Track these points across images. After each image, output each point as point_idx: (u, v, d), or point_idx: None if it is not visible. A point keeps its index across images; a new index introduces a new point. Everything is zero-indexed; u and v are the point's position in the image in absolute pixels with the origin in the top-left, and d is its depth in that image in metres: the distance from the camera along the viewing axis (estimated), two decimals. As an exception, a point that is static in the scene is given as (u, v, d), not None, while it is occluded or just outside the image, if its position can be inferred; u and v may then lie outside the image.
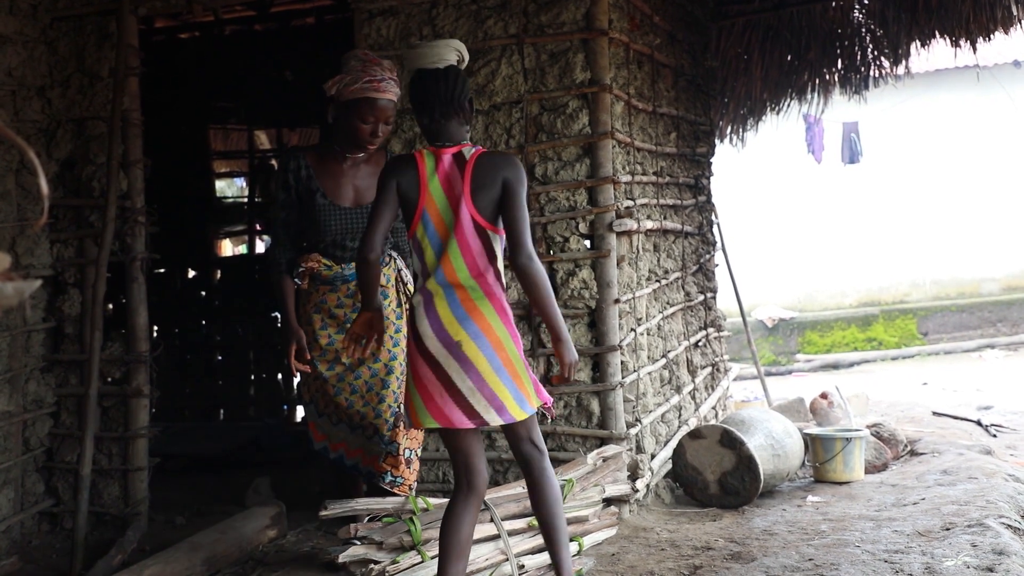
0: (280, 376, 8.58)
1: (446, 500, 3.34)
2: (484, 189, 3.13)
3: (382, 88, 3.76)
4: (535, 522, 3.31)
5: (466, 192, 3.12)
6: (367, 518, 3.73)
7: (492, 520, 3.41)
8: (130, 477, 4.95)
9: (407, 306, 3.70)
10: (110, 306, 6.41)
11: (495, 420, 3.05)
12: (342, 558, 3.21)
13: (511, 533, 3.63)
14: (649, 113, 5.49)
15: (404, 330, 3.86)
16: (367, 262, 3.20)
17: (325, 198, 3.88)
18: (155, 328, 7.83)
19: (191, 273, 8.92)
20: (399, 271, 4.00)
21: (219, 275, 8.93)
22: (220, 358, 8.66)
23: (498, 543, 3.58)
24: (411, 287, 3.96)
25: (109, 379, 5.03)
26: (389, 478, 3.88)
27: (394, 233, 3.93)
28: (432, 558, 3.21)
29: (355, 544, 3.45)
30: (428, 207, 3.14)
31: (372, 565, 3.18)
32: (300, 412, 8.60)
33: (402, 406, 3.74)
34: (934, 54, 7.71)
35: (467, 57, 3.32)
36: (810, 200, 13.12)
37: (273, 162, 9.49)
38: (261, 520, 4.64)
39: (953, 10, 5.75)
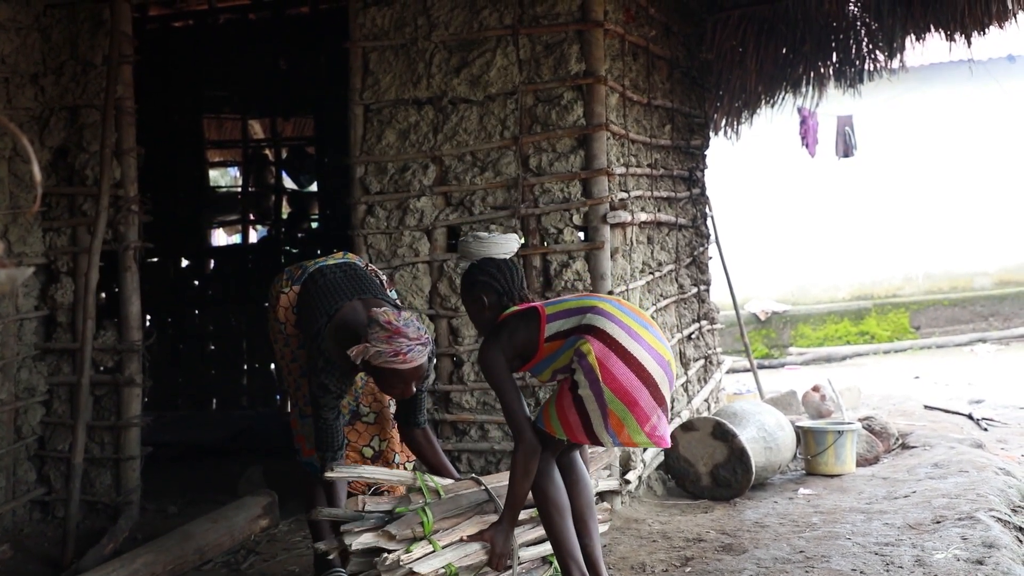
0: (273, 365, 8.58)
1: (451, 482, 3.53)
2: None
3: (411, 359, 3.41)
4: (535, 512, 3.44)
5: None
6: (372, 490, 3.64)
7: (496, 511, 3.43)
8: (122, 466, 4.95)
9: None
10: (103, 295, 6.40)
11: (667, 442, 3.30)
12: (355, 545, 3.21)
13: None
14: (644, 105, 5.49)
15: None
16: (535, 457, 3.26)
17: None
18: (148, 317, 7.82)
19: (184, 262, 8.90)
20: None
21: (212, 264, 8.92)
22: (213, 347, 8.67)
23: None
24: None
25: (102, 368, 5.03)
26: None
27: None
28: (444, 547, 3.23)
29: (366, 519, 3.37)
30: (550, 301, 3.41)
31: (386, 554, 3.18)
32: (293, 402, 8.61)
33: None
34: (929, 48, 7.70)
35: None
36: (804, 193, 13.12)
37: (267, 152, 9.48)
38: (253, 510, 4.64)
39: (948, 4, 5.75)
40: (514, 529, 3.37)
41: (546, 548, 3.49)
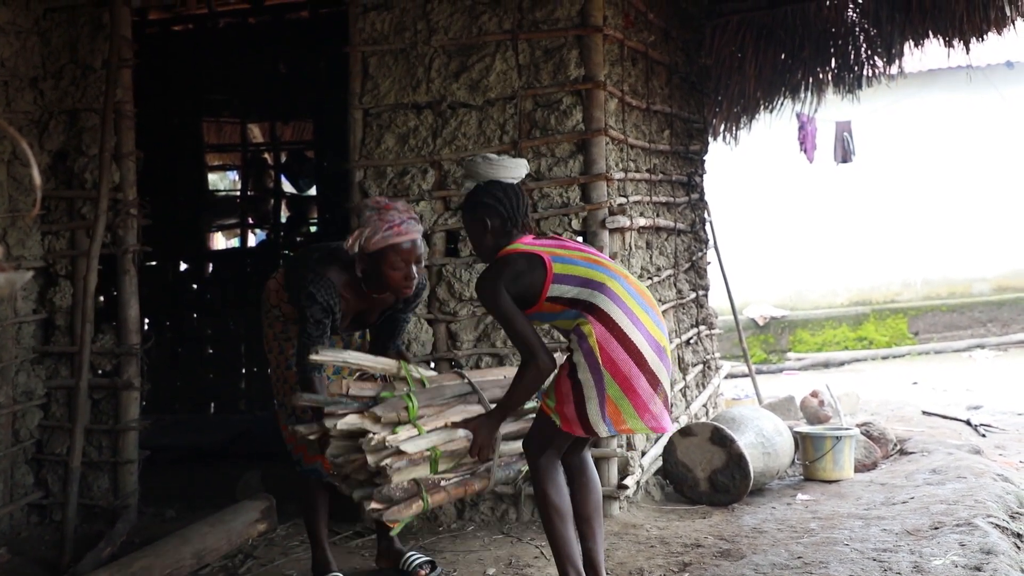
0: (271, 370, 8.56)
1: (435, 374, 3.65)
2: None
3: (404, 230, 3.54)
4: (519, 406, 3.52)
5: (577, 246, 3.45)
6: (357, 375, 3.57)
7: (480, 402, 3.44)
8: (120, 470, 4.95)
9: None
10: (101, 298, 6.40)
11: (669, 426, 3.33)
12: (340, 425, 3.21)
13: None
14: (643, 110, 5.49)
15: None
16: (544, 378, 3.26)
17: (336, 322, 3.74)
18: (146, 321, 7.82)
19: (183, 266, 8.90)
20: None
21: (211, 268, 8.92)
22: (211, 351, 8.66)
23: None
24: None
25: (100, 371, 5.03)
26: None
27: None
28: (429, 432, 3.29)
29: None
30: (559, 254, 3.30)
31: (371, 434, 3.19)
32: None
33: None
34: (927, 54, 7.73)
35: None
36: (802, 199, 13.13)
37: (266, 155, 9.48)
38: (251, 514, 4.63)
39: (947, 10, 5.77)
40: (499, 427, 3.39)
41: None
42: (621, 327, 3.19)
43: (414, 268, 3.58)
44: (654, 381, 3.23)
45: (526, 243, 3.36)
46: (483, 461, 3.48)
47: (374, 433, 3.20)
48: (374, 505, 3.23)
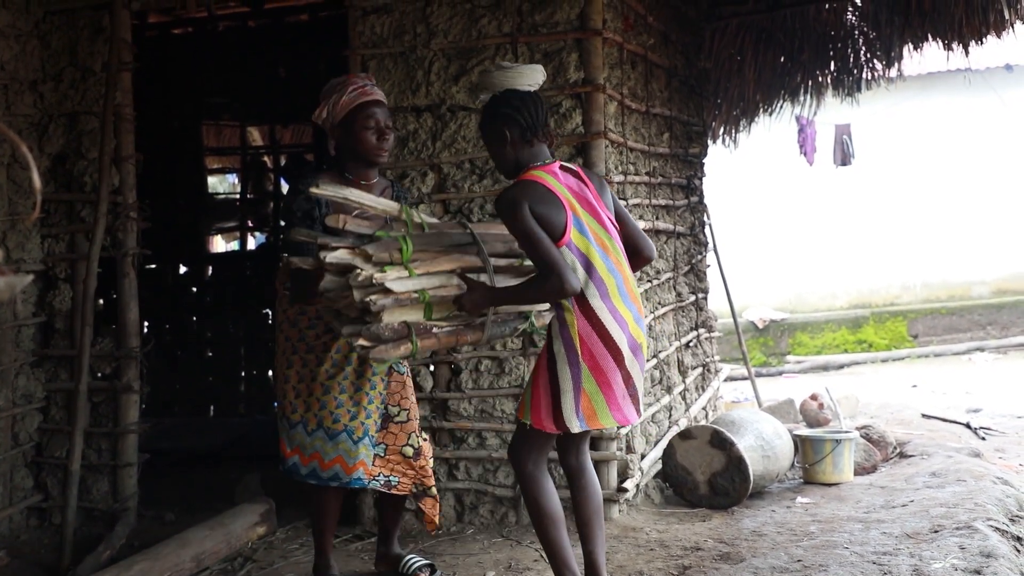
0: (271, 373, 8.57)
1: (437, 220, 3.60)
2: (603, 200, 3.34)
3: (370, 91, 3.70)
4: (516, 262, 3.50)
5: (598, 200, 3.32)
6: (355, 213, 3.50)
7: (479, 254, 3.39)
8: (119, 473, 4.95)
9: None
10: (101, 301, 6.40)
11: (635, 419, 3.33)
12: (330, 258, 3.17)
13: (497, 271, 3.51)
14: (642, 113, 5.50)
15: None
16: (555, 296, 3.20)
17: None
18: (146, 324, 7.81)
19: (182, 269, 8.90)
20: None
21: (210, 271, 8.92)
22: (211, 354, 8.65)
23: (481, 276, 3.48)
24: None
25: (99, 374, 5.03)
26: (384, 479, 3.78)
27: None
28: (419, 275, 3.23)
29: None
30: (575, 213, 3.23)
31: (359, 271, 3.14)
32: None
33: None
34: (926, 57, 7.73)
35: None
36: (802, 202, 13.13)
37: (265, 159, 9.48)
38: (250, 517, 4.64)
39: (946, 13, 5.77)
40: (494, 302, 3.34)
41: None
42: (603, 323, 3.20)
43: (386, 132, 3.69)
44: (628, 378, 3.25)
45: (552, 175, 3.26)
46: (475, 317, 3.43)
47: (361, 270, 3.15)
48: (361, 342, 3.17)
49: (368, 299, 3.12)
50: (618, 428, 4.67)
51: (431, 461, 3.93)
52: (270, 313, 8.66)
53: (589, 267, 3.21)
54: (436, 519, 3.96)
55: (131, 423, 4.96)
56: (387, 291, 3.14)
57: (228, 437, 7.24)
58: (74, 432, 4.76)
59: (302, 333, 3.77)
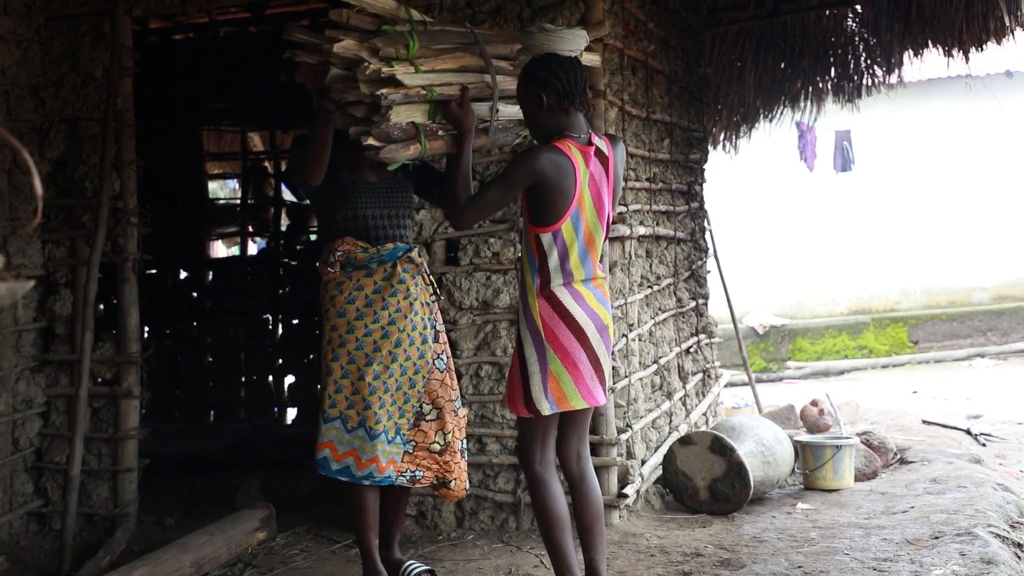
0: (271, 378, 8.57)
1: (430, 19, 3.52)
2: (616, 184, 3.37)
3: None
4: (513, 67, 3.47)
5: (610, 194, 3.33)
6: (357, 8, 3.41)
7: (481, 55, 3.36)
8: (119, 478, 4.94)
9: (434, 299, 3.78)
10: (101, 306, 6.40)
11: (603, 400, 3.37)
12: (336, 48, 3.11)
13: (498, 72, 3.49)
14: (642, 119, 5.50)
15: (432, 326, 3.79)
16: (456, 217, 3.30)
17: (351, 173, 3.73)
18: (146, 329, 7.81)
19: (183, 274, 8.90)
20: (418, 266, 3.82)
21: (211, 276, 8.92)
22: (211, 359, 8.65)
23: (484, 76, 3.46)
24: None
25: (100, 380, 5.02)
26: (409, 474, 3.76)
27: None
28: (425, 72, 3.21)
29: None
30: (580, 206, 3.25)
31: (366, 63, 3.09)
32: (291, 414, 8.60)
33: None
34: (927, 63, 7.75)
35: None
36: (802, 208, 13.15)
37: (266, 164, 9.49)
38: (250, 522, 4.63)
39: (946, 20, 5.77)
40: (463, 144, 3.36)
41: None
42: (565, 306, 3.25)
43: None
44: (595, 360, 3.29)
45: (584, 158, 3.25)
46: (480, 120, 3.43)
47: (369, 63, 3.11)
48: (371, 141, 3.15)
49: (379, 93, 3.09)
50: (617, 435, 4.67)
51: (459, 457, 3.84)
52: (270, 318, 8.66)
53: (564, 258, 3.26)
54: (458, 494, 3.87)
55: (131, 428, 4.96)
56: (397, 85, 3.10)
57: (228, 442, 7.23)
58: (74, 437, 4.76)
59: (351, 325, 3.69)
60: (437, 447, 3.80)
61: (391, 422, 3.72)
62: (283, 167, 9.38)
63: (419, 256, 3.86)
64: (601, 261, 3.41)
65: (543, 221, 3.24)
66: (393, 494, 3.91)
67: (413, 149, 3.24)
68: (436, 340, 3.83)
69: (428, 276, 3.88)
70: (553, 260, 3.25)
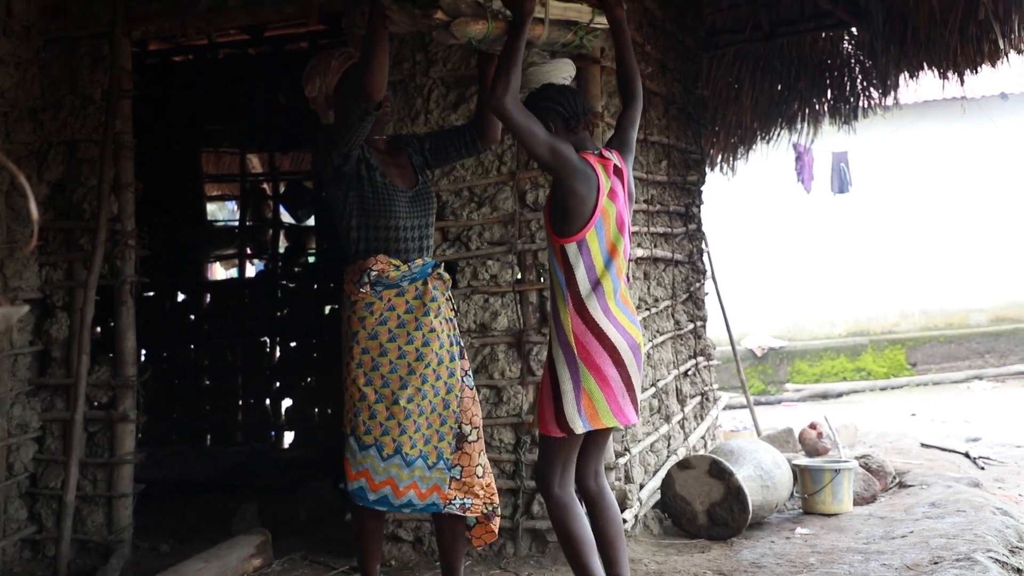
0: (268, 401, 8.54)
1: None
2: (631, 196, 3.44)
3: (353, 53, 3.66)
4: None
5: (628, 206, 3.41)
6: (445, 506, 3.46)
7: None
8: (114, 504, 4.91)
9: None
10: (98, 329, 6.37)
11: (634, 419, 3.40)
12: None
13: None
14: (640, 141, 5.50)
15: (456, 342, 3.68)
16: (498, 104, 3.21)
17: (384, 178, 3.60)
18: (143, 352, 7.79)
19: (180, 296, 8.88)
20: (446, 283, 3.73)
21: (209, 298, 8.90)
22: (208, 382, 8.62)
23: None
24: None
25: (96, 403, 5.00)
26: (459, 502, 3.58)
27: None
28: None
29: None
30: (604, 216, 3.31)
31: None
32: (288, 438, 8.56)
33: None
34: (923, 85, 7.77)
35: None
36: (800, 229, 13.16)
37: (265, 186, 9.50)
38: (246, 548, 4.60)
39: (940, 43, 5.80)
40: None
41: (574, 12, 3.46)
42: (599, 324, 3.28)
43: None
44: (627, 379, 3.32)
45: (605, 168, 3.34)
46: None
47: None
48: (439, 15, 3.16)
49: None
50: (615, 459, 4.65)
51: (492, 477, 3.72)
52: (268, 341, 8.64)
53: (591, 271, 3.30)
54: (488, 537, 3.71)
55: (127, 453, 4.93)
56: None
57: (225, 467, 7.21)
58: (69, 462, 4.73)
59: (384, 348, 3.54)
60: (480, 470, 3.62)
61: (430, 446, 3.56)
62: (282, 189, 9.39)
63: (445, 271, 3.76)
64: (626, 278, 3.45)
65: (567, 231, 3.30)
66: (449, 524, 3.67)
67: (481, 25, 3.23)
68: (461, 356, 3.70)
69: (450, 293, 3.80)
70: (580, 272, 3.29)
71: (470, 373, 3.72)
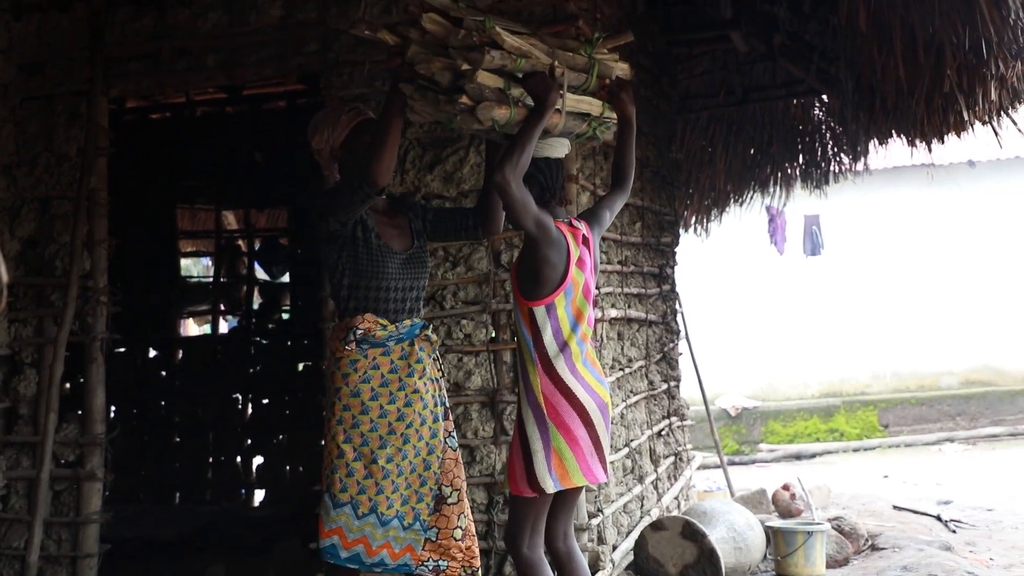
0: (239, 458, 8.45)
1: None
2: (596, 265, 3.56)
3: (363, 109, 3.67)
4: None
5: (593, 275, 3.50)
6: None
7: (545, 44, 3.43)
8: (79, 564, 4.82)
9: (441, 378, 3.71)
10: (67, 385, 6.31)
11: (603, 478, 3.44)
12: (424, 21, 3.20)
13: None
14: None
15: (441, 403, 3.66)
16: (501, 180, 3.25)
17: (379, 239, 3.60)
18: (112, 408, 7.70)
19: (152, 352, 8.82)
20: (433, 344, 3.72)
21: (181, 355, 8.84)
22: (178, 439, 8.52)
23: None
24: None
25: (63, 461, 4.93)
26: (433, 564, 3.54)
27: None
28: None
29: None
30: (573, 283, 3.39)
31: (458, 31, 3.20)
32: (259, 496, 8.46)
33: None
34: (892, 152, 7.91)
35: None
36: (773, 290, 13.28)
37: (240, 242, 9.49)
38: (213, 610, 4.52)
39: (908, 113, 5.92)
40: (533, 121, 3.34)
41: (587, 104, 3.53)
42: (567, 384, 3.34)
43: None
44: (596, 438, 3.37)
45: (574, 238, 3.42)
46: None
47: (461, 29, 3.18)
48: (463, 100, 3.19)
49: (475, 54, 3.14)
50: (588, 519, 4.63)
51: (475, 540, 3.67)
52: (240, 398, 8.57)
53: (558, 334, 3.37)
54: None
55: (93, 512, 4.86)
56: (495, 45, 3.17)
57: (193, 526, 7.09)
58: (34, 522, 4.65)
59: (365, 406, 3.52)
60: (459, 533, 3.58)
61: (407, 507, 3.54)
62: (257, 246, 9.39)
63: (433, 333, 3.75)
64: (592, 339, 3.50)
65: (536, 294, 3.36)
66: None
67: (504, 109, 3.27)
68: (446, 417, 3.67)
69: (438, 359, 3.78)
70: (547, 335, 3.35)
71: (454, 435, 3.69)
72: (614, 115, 3.70)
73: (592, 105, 3.58)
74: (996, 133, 5.98)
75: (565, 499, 3.47)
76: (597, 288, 5.02)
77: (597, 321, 4.96)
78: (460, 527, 3.60)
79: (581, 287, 3.42)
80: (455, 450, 3.65)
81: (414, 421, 3.54)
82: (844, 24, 5.23)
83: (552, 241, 3.34)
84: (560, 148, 3.59)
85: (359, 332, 3.52)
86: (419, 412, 3.56)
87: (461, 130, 3.51)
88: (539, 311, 3.35)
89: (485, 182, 3.80)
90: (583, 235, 3.48)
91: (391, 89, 3.45)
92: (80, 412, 4.98)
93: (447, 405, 3.71)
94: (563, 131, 3.55)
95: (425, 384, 3.60)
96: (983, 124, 5.96)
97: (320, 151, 3.64)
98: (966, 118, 5.66)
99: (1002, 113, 5.90)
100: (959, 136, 6.21)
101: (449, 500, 3.59)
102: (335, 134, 3.60)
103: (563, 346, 3.36)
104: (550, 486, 3.29)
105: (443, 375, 3.78)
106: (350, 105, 3.70)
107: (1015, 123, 6.02)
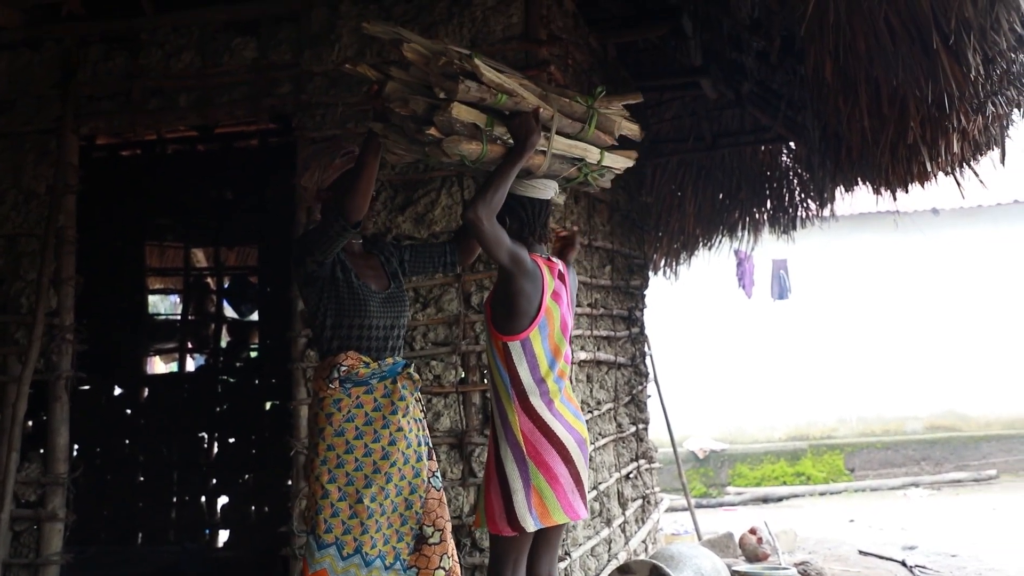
0: (204, 498, 8.34)
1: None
2: (572, 304, 3.52)
3: (352, 147, 3.65)
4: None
5: (570, 311, 3.49)
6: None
7: (537, 87, 3.41)
8: (38, 606, 4.74)
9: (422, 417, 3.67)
10: (30, 423, 6.23)
11: (584, 514, 3.42)
12: (406, 51, 3.14)
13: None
14: (584, 247, 5.60)
15: (425, 442, 3.63)
16: (475, 217, 3.22)
17: (358, 279, 3.60)
18: (75, 447, 7.59)
19: (117, 390, 8.71)
20: (416, 383, 3.69)
21: (146, 393, 8.75)
22: (142, 479, 8.41)
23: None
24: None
25: (23, 501, 4.86)
26: None
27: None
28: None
29: None
30: (548, 316, 3.37)
31: (440, 57, 3.16)
32: (223, 536, 8.35)
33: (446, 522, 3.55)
34: (857, 199, 8.05)
35: None
36: (741, 334, 13.37)
37: (209, 280, 9.45)
38: (174, 654, 4.45)
39: (873, 162, 6.03)
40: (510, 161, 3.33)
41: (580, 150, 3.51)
42: (545, 421, 3.32)
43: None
44: (575, 472, 3.35)
45: (551, 273, 3.41)
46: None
47: (444, 56, 3.12)
48: (432, 131, 3.15)
49: (451, 86, 3.09)
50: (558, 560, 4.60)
51: None
52: (206, 437, 8.48)
53: (535, 370, 3.34)
54: None
55: (53, 554, 4.78)
56: (474, 78, 3.12)
57: (156, 567, 6.99)
58: (-8, 562, 4.57)
59: (350, 445, 3.49)
60: (442, 573, 3.54)
61: (388, 546, 3.50)
62: (226, 284, 9.35)
63: (415, 372, 3.74)
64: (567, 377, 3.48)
65: (511, 329, 3.33)
66: None
67: (475, 145, 3.25)
68: (429, 457, 3.65)
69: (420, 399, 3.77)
70: (524, 370, 3.32)
71: (438, 475, 3.66)
72: (616, 164, 3.67)
73: (588, 151, 3.57)
74: (959, 183, 6.09)
75: (547, 537, 3.44)
76: (566, 331, 5.04)
77: (566, 364, 4.98)
78: (443, 568, 3.56)
79: (558, 322, 3.40)
80: (439, 490, 3.62)
81: (397, 460, 3.52)
82: (811, 75, 5.33)
83: (527, 272, 3.32)
84: (546, 190, 3.55)
85: (343, 369, 3.51)
86: (402, 451, 3.54)
87: (438, 163, 3.49)
88: (514, 347, 3.32)
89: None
90: (559, 271, 3.47)
91: (371, 127, 3.47)
92: (43, 451, 4.91)
93: (430, 445, 3.68)
94: (548, 173, 3.55)
95: (409, 423, 3.58)
96: (946, 175, 6.07)
97: (307, 189, 3.64)
98: (929, 168, 5.77)
99: (964, 164, 6.01)
100: (923, 185, 6.32)
101: (431, 540, 3.56)
102: (325, 176, 3.60)
103: (540, 382, 3.34)
104: (531, 525, 3.26)
105: (425, 415, 3.77)
106: (346, 148, 3.65)
107: (976, 174, 6.13)
